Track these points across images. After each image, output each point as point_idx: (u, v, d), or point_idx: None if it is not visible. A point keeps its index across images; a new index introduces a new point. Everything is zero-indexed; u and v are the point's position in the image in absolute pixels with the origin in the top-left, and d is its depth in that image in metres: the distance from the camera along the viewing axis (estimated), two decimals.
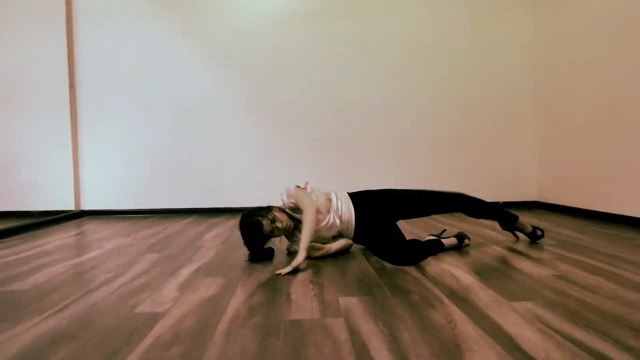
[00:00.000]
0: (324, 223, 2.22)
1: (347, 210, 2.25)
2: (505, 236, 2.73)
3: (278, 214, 2.18)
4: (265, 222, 2.12)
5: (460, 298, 1.56)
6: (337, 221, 2.24)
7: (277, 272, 1.91)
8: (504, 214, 2.47)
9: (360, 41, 4.12)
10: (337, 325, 1.32)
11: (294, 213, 2.25)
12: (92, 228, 3.34)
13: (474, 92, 4.21)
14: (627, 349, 1.13)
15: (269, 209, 2.20)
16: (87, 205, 4.05)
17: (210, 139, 4.08)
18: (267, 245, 2.24)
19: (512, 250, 2.34)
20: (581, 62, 3.55)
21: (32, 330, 1.31)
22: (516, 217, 2.48)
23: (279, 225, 2.14)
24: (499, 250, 2.35)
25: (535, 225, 2.64)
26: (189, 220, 3.70)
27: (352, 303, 1.52)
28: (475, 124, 4.23)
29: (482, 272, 1.90)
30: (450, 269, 1.97)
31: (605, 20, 3.27)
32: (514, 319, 1.34)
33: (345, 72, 4.12)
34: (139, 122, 4.04)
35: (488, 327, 1.29)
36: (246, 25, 4.06)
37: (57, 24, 3.87)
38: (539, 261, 2.08)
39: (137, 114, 4.04)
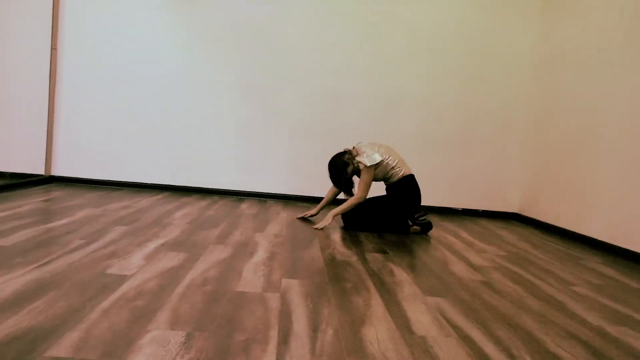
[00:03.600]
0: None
1: None
2: (463, 244, 3.26)
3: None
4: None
5: (387, 290, 2.08)
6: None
7: (315, 227, 3.33)
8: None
9: (359, 26, 4.58)
10: (273, 299, 1.83)
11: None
12: (62, 195, 3.83)
13: (468, 94, 4.69)
14: (493, 336, 1.66)
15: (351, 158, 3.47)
16: (57, 171, 4.53)
17: (189, 116, 4.56)
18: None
19: (459, 256, 2.87)
20: (576, 80, 4.04)
21: (21, 277, 1.82)
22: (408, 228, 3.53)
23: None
24: (447, 255, 2.88)
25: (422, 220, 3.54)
26: (160, 196, 4.20)
27: (292, 284, 2.04)
28: (466, 126, 4.72)
29: (419, 272, 2.43)
30: (392, 266, 2.49)
31: (603, 44, 3.76)
32: (419, 308, 1.87)
33: (339, 58, 4.59)
34: (119, 93, 4.50)
35: (395, 311, 1.81)
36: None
37: None
38: (475, 268, 2.61)
39: (118, 84, 4.50)
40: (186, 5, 4.50)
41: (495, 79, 4.70)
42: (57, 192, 3.94)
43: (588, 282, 2.53)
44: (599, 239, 3.51)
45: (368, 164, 3.36)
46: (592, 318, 1.96)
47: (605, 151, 3.54)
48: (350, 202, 3.40)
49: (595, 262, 3.05)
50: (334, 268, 2.36)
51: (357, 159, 3.41)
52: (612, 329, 1.85)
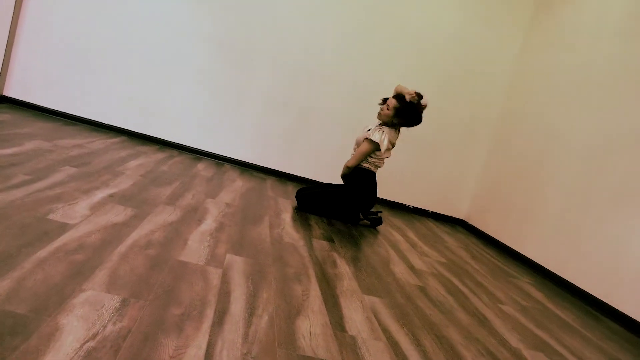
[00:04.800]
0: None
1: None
2: (408, 244, 3.35)
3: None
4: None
5: (327, 281, 2.12)
6: None
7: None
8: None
9: (350, 11, 4.52)
10: (215, 274, 1.84)
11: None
12: (11, 120, 3.65)
13: (443, 99, 4.75)
14: (419, 345, 1.73)
15: None
16: (10, 92, 4.30)
17: (158, 63, 4.40)
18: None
19: (401, 256, 2.95)
20: (543, 108, 4.17)
21: None
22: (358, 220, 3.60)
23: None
24: (391, 253, 2.96)
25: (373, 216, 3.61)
26: (115, 140, 4.07)
27: (236, 261, 2.05)
28: (435, 129, 4.78)
29: (361, 267, 2.48)
30: (336, 256, 2.54)
31: (575, 80, 3.88)
32: (355, 306, 1.92)
33: (324, 37, 4.52)
34: (90, 24, 4.28)
35: (331, 306, 1.86)
36: None
37: None
38: (415, 272, 2.69)
39: (91, 15, 4.27)
40: None
41: (471, 89, 4.77)
42: (6, 115, 3.75)
43: (516, 302, 2.66)
44: (533, 259, 3.69)
45: (373, 138, 3.42)
46: (513, 340, 2.07)
47: (555, 180, 3.69)
48: (344, 166, 3.58)
49: (526, 281, 3.21)
50: (280, 250, 2.38)
51: (373, 129, 3.48)
52: (529, 353, 1.97)
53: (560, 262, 3.43)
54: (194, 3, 4.37)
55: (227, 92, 4.52)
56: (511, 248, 4.00)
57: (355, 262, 2.55)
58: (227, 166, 4.42)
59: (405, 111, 3.42)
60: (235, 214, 2.81)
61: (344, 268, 2.39)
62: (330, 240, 2.86)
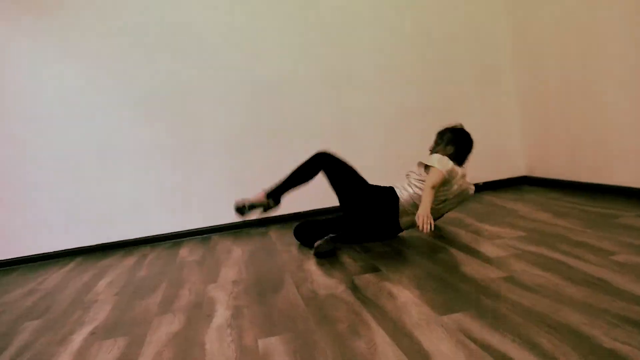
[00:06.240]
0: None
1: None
2: (470, 233, 3.35)
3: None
4: None
5: (390, 319, 2.12)
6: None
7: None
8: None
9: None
10: None
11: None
12: None
13: (442, 52, 4.82)
14: (533, 346, 1.72)
15: None
16: None
17: (85, 156, 4.48)
18: None
19: (468, 251, 2.95)
20: (561, 10, 4.22)
21: None
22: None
23: None
24: (454, 253, 2.96)
25: None
26: (71, 265, 4.12)
27: (272, 343, 2.05)
28: (446, 91, 4.84)
29: (424, 285, 2.48)
30: (390, 286, 2.54)
31: None
32: (437, 334, 1.92)
33: (267, 40, 4.61)
34: None
35: (408, 346, 1.85)
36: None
37: None
38: (491, 262, 2.69)
39: None
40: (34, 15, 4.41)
41: (467, 24, 4.83)
42: None
43: (629, 245, 2.65)
44: (630, 185, 3.68)
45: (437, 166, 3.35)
46: None
47: (613, 79, 3.70)
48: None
49: (631, 216, 3.20)
50: (319, 307, 2.39)
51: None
52: None
53: None
54: (100, 69, 4.47)
55: (180, 153, 4.58)
56: (597, 184, 4.00)
57: (415, 282, 2.55)
58: (216, 237, 4.46)
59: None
60: (249, 289, 2.83)
61: (405, 295, 2.38)
62: (375, 269, 2.86)
